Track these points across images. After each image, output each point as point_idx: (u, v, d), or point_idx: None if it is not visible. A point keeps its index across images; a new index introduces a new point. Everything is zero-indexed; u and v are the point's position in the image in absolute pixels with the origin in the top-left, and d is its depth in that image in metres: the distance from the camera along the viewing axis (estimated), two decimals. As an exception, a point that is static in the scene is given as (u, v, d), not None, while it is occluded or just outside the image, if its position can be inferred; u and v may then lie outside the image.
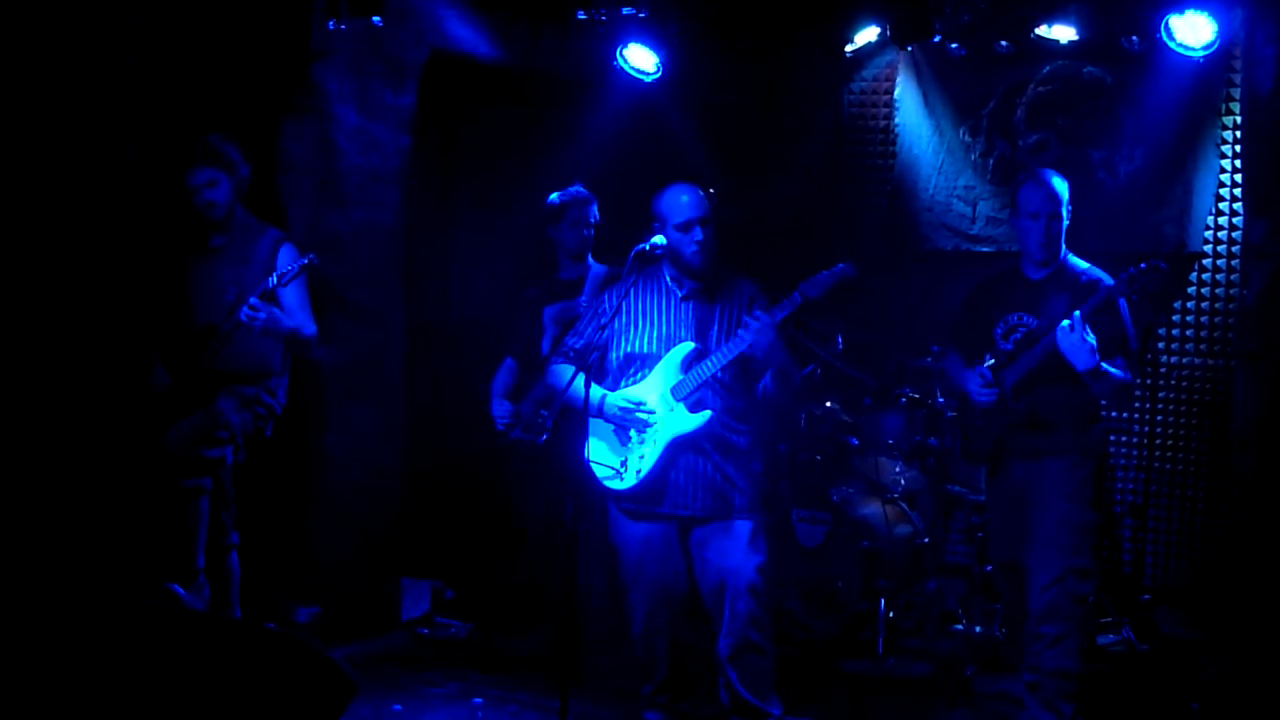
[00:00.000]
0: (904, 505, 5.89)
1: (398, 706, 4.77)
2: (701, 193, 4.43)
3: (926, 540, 5.82)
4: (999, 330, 4.54)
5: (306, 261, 4.76)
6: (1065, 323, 4.19)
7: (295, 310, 4.90)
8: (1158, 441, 6.15)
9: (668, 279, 4.52)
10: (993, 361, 4.48)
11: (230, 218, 4.95)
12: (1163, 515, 6.18)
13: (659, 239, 4.34)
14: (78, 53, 5.04)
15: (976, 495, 5.74)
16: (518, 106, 6.89)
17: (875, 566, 5.59)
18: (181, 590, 4.70)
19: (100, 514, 5.05)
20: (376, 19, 5.49)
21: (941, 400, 5.88)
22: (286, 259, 4.87)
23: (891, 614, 5.58)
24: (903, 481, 5.91)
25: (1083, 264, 4.52)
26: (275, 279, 4.73)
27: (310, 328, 4.96)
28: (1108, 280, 4.37)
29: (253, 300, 4.67)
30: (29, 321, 4.98)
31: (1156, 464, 6.13)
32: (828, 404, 5.95)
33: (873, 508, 5.78)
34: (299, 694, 3.00)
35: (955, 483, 5.91)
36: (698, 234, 4.37)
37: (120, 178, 5.25)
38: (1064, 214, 4.47)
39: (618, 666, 4.97)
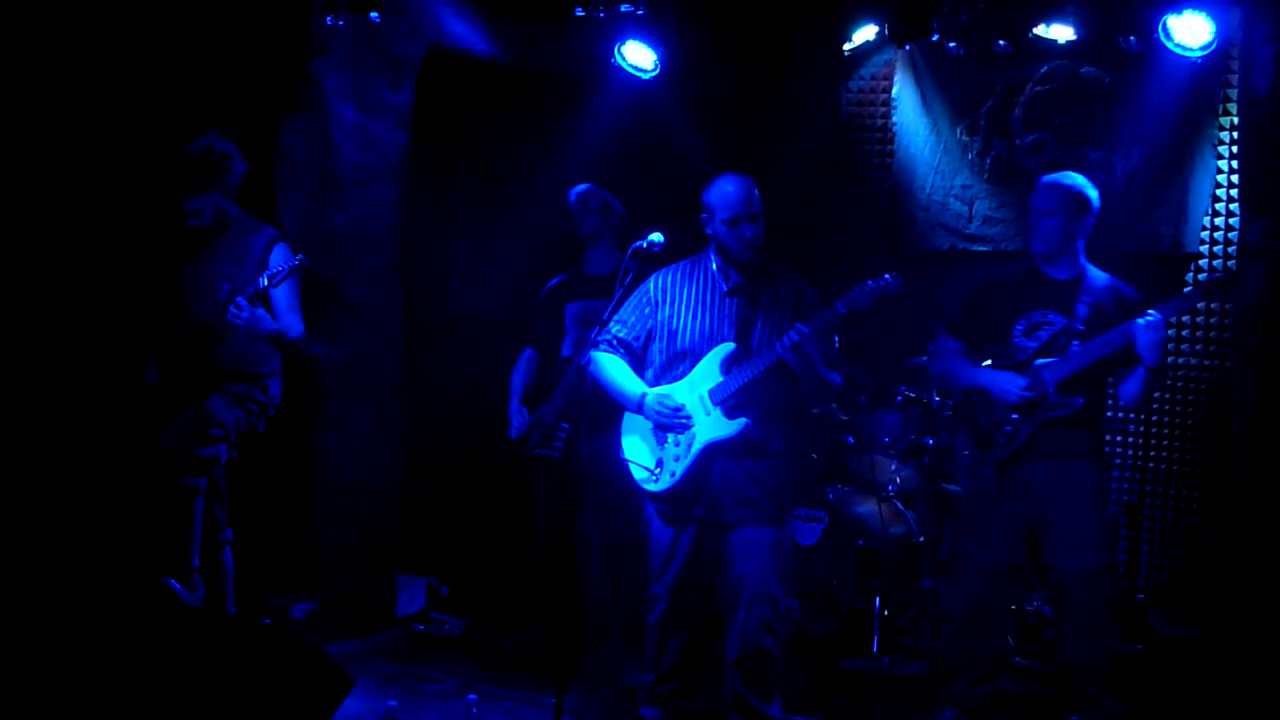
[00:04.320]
0: (899, 504, 5.90)
1: (393, 702, 4.77)
2: (752, 184, 4.34)
3: (921, 539, 5.83)
4: (1019, 326, 4.52)
5: (296, 263, 4.73)
6: (1142, 320, 4.23)
7: (285, 311, 4.87)
8: (1153, 441, 6.16)
9: (714, 269, 4.42)
10: (1022, 359, 4.47)
11: (223, 219, 4.93)
12: (1158, 515, 6.17)
13: (656, 236, 4.27)
14: (76, 48, 5.03)
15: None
16: (515, 103, 6.89)
17: (871, 565, 5.60)
18: (178, 586, 4.70)
19: (96, 512, 5.05)
20: (374, 15, 5.48)
21: (938, 399, 5.88)
22: (279, 259, 4.84)
23: (887, 613, 5.58)
24: (898, 480, 5.92)
25: (1103, 274, 4.55)
26: (266, 279, 4.70)
27: (296, 329, 4.92)
28: (1131, 293, 4.47)
29: (239, 300, 4.65)
30: (23, 319, 4.98)
31: (1152, 464, 6.14)
32: (824, 402, 5.96)
33: (868, 507, 5.79)
34: (294, 689, 3.01)
35: (951, 481, 5.91)
36: (746, 229, 4.29)
37: (116, 176, 5.25)
38: (1076, 216, 4.48)
39: (614, 662, 4.97)
